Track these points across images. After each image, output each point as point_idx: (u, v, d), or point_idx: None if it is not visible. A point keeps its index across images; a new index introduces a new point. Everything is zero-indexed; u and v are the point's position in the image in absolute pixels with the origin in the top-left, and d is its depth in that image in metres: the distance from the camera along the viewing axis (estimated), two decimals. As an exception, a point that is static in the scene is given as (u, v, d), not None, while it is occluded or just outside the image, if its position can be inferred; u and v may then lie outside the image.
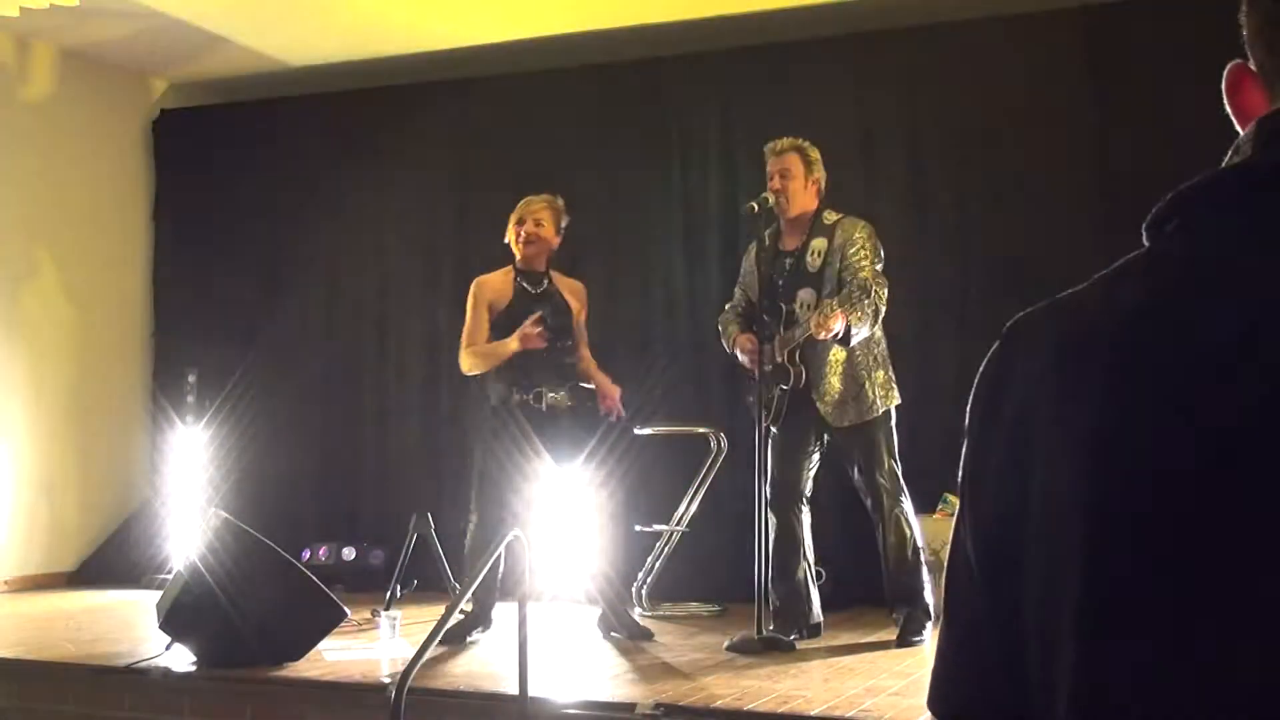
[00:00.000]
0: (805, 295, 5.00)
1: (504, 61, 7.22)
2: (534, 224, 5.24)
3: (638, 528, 5.95)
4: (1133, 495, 0.79)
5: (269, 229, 7.74)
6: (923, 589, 5.03)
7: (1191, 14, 5.76)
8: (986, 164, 6.21)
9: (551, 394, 5.19)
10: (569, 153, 6.97)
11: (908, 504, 5.04)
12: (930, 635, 4.99)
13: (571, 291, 5.38)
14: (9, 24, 6.80)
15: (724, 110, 6.78)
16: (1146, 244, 0.88)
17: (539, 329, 5.10)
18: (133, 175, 8.03)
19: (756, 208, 4.96)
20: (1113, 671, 0.79)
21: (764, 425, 4.93)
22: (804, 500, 5.13)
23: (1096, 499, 0.80)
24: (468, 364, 5.28)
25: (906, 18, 6.42)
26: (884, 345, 5.05)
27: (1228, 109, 0.92)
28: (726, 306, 5.34)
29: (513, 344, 5.12)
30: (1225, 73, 0.91)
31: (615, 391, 5.34)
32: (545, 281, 5.32)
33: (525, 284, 5.29)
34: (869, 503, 5.06)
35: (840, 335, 4.77)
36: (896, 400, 5.05)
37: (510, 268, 5.34)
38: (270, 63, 7.59)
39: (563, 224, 5.34)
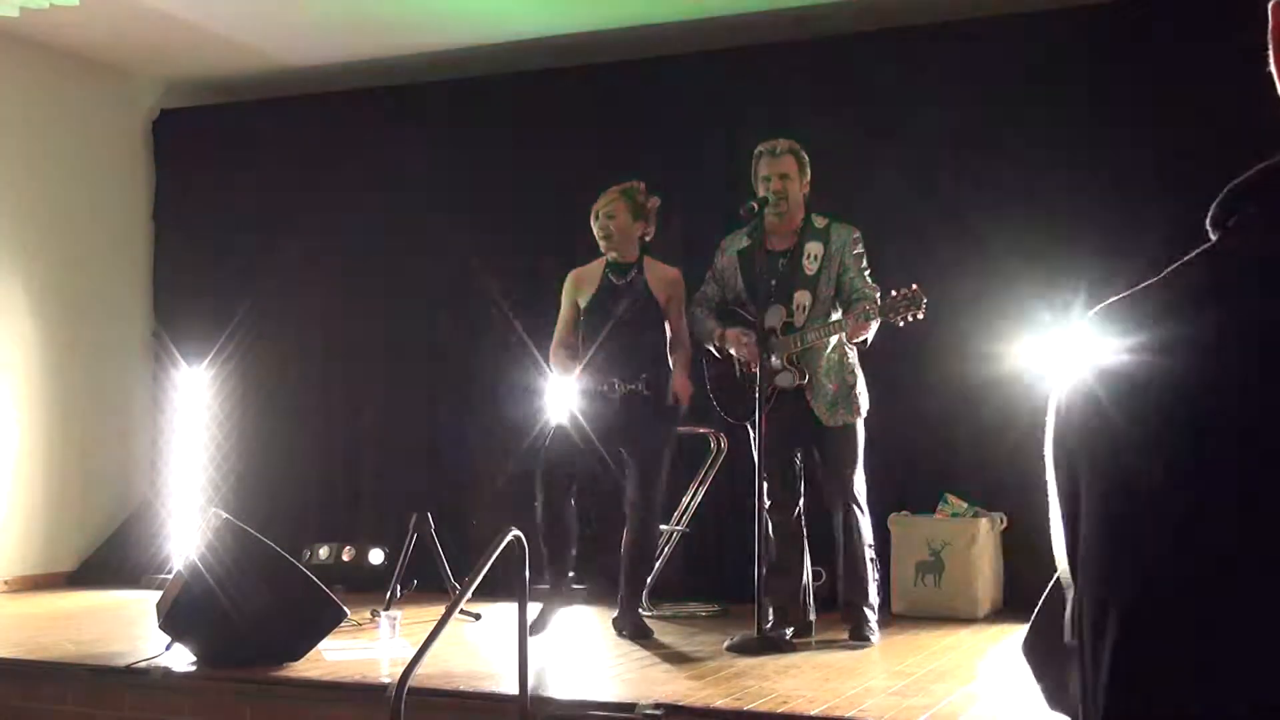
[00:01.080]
0: (801, 298, 5.04)
1: (504, 61, 7.22)
2: (605, 217, 5.29)
3: (663, 528, 5.95)
4: (1184, 498, 0.78)
5: (269, 228, 7.74)
6: (872, 589, 5.11)
7: (1192, 13, 5.77)
8: (987, 164, 6.21)
9: (625, 385, 5.23)
10: (569, 153, 6.97)
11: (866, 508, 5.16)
12: (877, 629, 5.05)
13: (661, 280, 5.36)
14: (9, 24, 6.80)
15: (724, 111, 6.77)
16: (1212, 239, 0.86)
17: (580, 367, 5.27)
18: (133, 175, 8.03)
19: (756, 207, 4.99)
20: (1141, 674, 0.79)
21: (759, 420, 4.96)
22: (801, 499, 5.16)
23: (1158, 508, 0.79)
24: (551, 358, 5.47)
25: (907, 18, 6.43)
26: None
27: (1271, 62, 0.85)
28: (692, 300, 5.36)
29: (567, 374, 5.34)
30: (1271, 9, 0.86)
31: (684, 391, 5.29)
32: (632, 271, 5.34)
33: (611, 275, 5.34)
34: (836, 499, 5.11)
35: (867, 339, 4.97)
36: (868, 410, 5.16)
37: (604, 258, 5.39)
38: (270, 63, 7.59)
39: (648, 205, 5.35)
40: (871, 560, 5.13)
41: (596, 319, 5.30)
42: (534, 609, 5.17)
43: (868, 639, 4.98)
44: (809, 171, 5.14)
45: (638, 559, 5.32)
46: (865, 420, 5.11)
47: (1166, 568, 0.78)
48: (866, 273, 5.06)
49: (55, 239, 7.49)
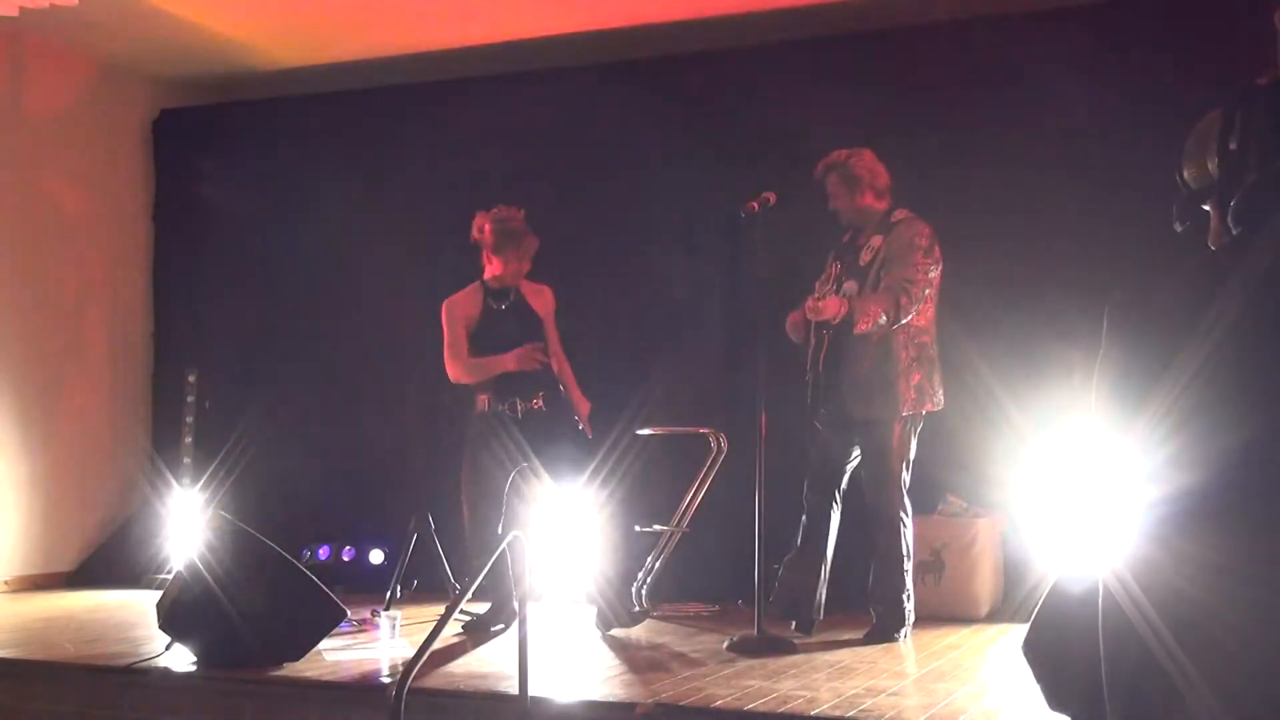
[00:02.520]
0: (849, 288, 5.03)
1: (504, 61, 7.22)
2: (526, 258, 5.31)
3: (638, 528, 5.95)
4: None
5: (269, 229, 7.74)
6: (902, 594, 5.06)
7: (1189, 14, 5.77)
8: (988, 165, 6.20)
9: (525, 402, 5.25)
10: (568, 152, 6.97)
11: (905, 510, 5.07)
12: (904, 639, 5.03)
13: (539, 298, 5.41)
14: (8, 24, 6.80)
15: (724, 111, 6.77)
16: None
17: (538, 355, 5.22)
18: (133, 175, 8.03)
19: (756, 208, 4.98)
20: None
21: (759, 414, 4.96)
22: (838, 493, 5.15)
23: None
24: (456, 372, 5.35)
25: (908, 17, 6.42)
26: (933, 350, 5.07)
27: None
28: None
29: (509, 363, 5.21)
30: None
31: (584, 409, 5.38)
32: (511, 295, 5.37)
33: (491, 300, 5.35)
34: (868, 500, 5.09)
35: (837, 320, 4.86)
36: (928, 407, 5.06)
37: (477, 284, 5.39)
38: (270, 63, 7.59)
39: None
40: (904, 567, 5.05)
41: (485, 344, 5.29)
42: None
43: (880, 642, 4.97)
44: (866, 179, 5.11)
45: (605, 564, 5.34)
46: (908, 418, 5.01)
47: None
48: (930, 269, 4.97)
49: (55, 238, 7.48)
